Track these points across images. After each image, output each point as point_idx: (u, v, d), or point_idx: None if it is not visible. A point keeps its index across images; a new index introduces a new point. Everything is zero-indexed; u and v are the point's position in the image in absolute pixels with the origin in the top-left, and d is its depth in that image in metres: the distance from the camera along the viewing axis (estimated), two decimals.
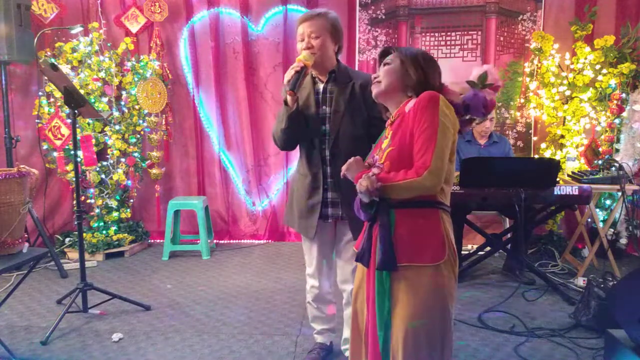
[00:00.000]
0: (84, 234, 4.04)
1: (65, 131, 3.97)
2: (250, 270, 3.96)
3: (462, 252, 3.76)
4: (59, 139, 3.99)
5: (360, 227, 1.70)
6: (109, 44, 4.37)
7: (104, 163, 4.30)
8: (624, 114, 3.90)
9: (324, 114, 2.17)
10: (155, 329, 2.88)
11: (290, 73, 2.02)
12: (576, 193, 3.13)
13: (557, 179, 3.16)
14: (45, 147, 4.19)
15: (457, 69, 4.38)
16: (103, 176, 4.27)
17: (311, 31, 2.09)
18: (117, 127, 4.29)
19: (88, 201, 4.27)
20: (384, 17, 4.48)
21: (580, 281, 3.44)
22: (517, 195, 3.03)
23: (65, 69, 4.02)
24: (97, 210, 4.31)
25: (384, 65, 1.63)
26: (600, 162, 3.71)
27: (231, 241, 4.81)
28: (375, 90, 1.64)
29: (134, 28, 4.53)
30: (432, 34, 4.44)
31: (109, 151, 4.29)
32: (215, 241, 4.69)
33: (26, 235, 3.09)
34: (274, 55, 4.60)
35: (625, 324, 2.17)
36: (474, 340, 2.70)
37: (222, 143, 4.76)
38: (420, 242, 1.47)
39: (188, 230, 4.71)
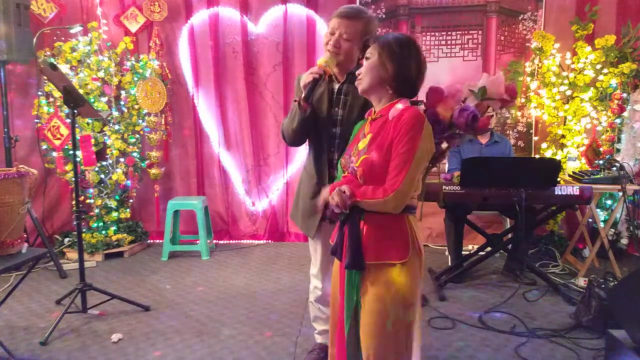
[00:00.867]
0: (83, 234, 4.03)
1: (65, 131, 3.96)
2: (249, 270, 3.95)
3: (463, 253, 3.75)
4: (58, 138, 3.98)
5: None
6: (108, 44, 4.37)
7: (103, 163, 4.29)
8: (625, 114, 3.89)
9: (336, 116, 2.11)
10: (155, 329, 2.87)
11: (308, 78, 1.95)
12: (577, 193, 3.12)
13: (558, 179, 3.15)
14: (44, 147, 4.17)
15: (457, 69, 4.39)
16: (102, 176, 4.26)
17: (345, 32, 1.98)
18: (116, 127, 4.28)
19: (87, 201, 4.26)
20: (384, 16, 4.46)
21: (581, 281, 3.44)
22: (517, 195, 3.03)
23: (64, 68, 4.01)
24: (96, 211, 4.30)
25: (365, 59, 1.63)
26: (601, 162, 3.69)
27: (231, 241, 4.80)
28: (359, 88, 1.65)
29: (134, 27, 4.53)
30: (432, 34, 4.43)
31: (108, 151, 4.28)
32: (214, 241, 4.69)
33: (25, 236, 3.07)
34: (274, 54, 4.59)
35: (626, 324, 2.17)
36: (474, 341, 2.69)
37: (222, 143, 4.75)
38: (387, 242, 1.56)
39: (187, 230, 4.69)
